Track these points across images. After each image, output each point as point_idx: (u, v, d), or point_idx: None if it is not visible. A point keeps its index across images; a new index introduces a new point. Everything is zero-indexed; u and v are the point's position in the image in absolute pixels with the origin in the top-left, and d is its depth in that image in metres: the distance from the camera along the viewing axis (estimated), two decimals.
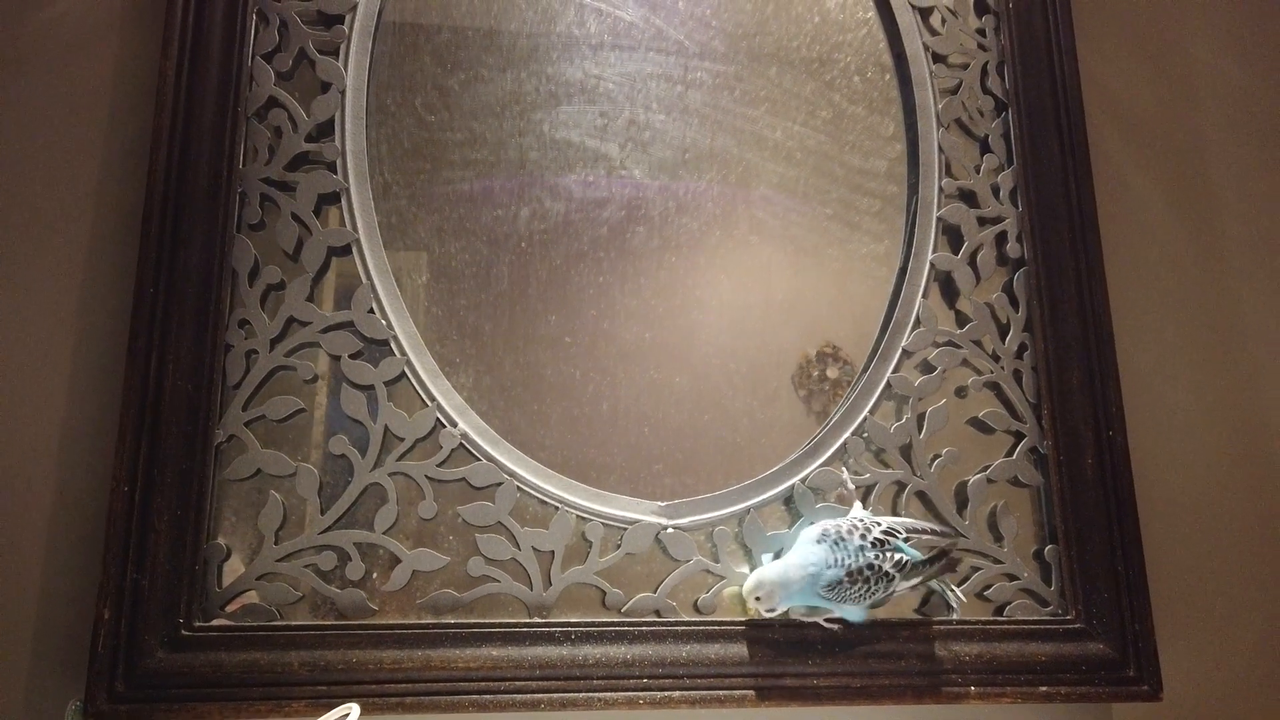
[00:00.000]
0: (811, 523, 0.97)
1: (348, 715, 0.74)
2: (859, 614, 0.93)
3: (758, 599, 0.91)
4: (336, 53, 1.03)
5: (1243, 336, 1.14)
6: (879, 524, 0.93)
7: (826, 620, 0.93)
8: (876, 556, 0.90)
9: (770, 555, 0.96)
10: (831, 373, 1.05)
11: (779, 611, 0.91)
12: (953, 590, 0.96)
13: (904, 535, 0.93)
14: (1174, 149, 1.19)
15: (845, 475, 0.99)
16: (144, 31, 1.02)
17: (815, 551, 0.91)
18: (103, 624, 0.84)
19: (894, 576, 0.91)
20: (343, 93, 1.02)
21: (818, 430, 1.02)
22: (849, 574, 0.90)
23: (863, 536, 0.91)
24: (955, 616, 0.96)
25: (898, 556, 0.91)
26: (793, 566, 0.91)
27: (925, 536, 0.95)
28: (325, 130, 1.01)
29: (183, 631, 0.86)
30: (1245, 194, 1.19)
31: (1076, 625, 0.99)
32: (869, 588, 0.90)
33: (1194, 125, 1.20)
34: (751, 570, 0.95)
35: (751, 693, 0.91)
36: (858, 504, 0.97)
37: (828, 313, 1.07)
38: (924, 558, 0.93)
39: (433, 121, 1.05)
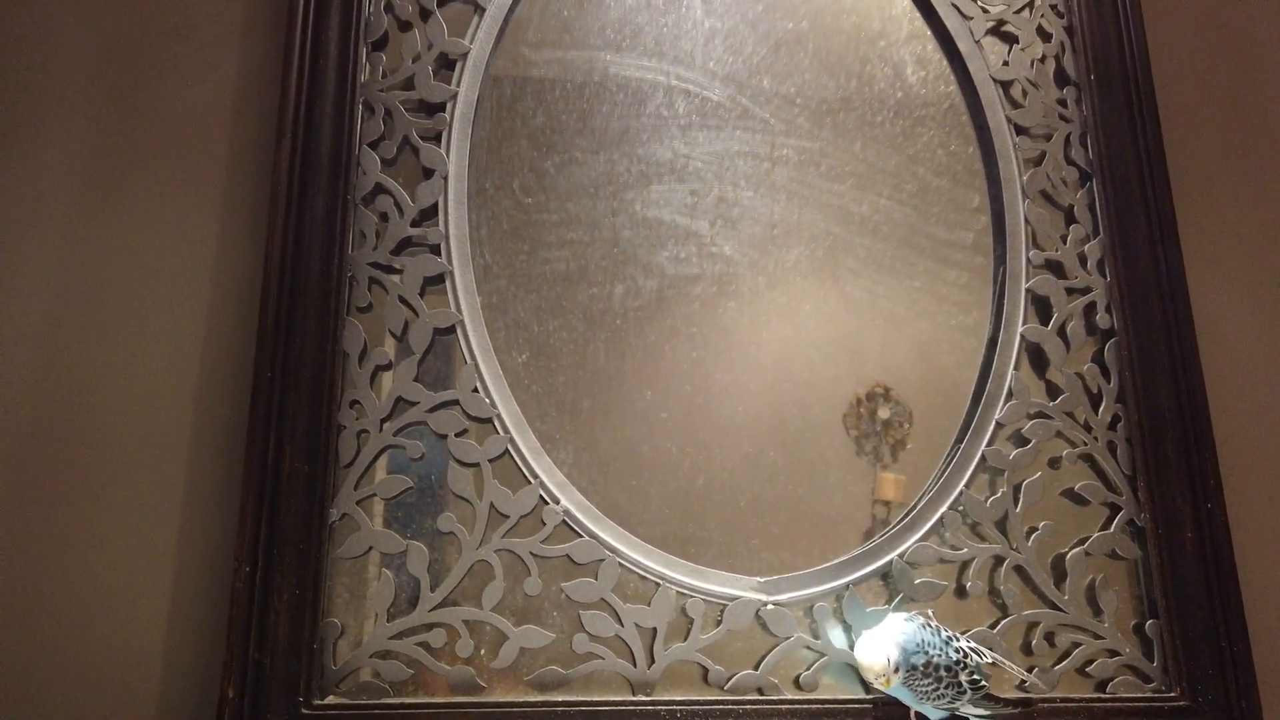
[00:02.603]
0: (906, 603, 0.98)
1: None
2: (935, 711, 0.91)
3: (889, 660, 0.90)
4: (438, 139, 1.07)
5: None
6: (969, 639, 0.93)
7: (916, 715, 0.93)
8: (958, 659, 0.90)
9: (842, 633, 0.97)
10: (883, 413, 1.06)
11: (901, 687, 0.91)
12: None
13: (989, 659, 0.92)
14: (1262, 214, 1.19)
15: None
16: (258, 123, 1.07)
17: (909, 627, 0.91)
18: (227, 703, 0.87)
19: (965, 691, 0.89)
20: (445, 178, 1.06)
21: (914, 504, 1.03)
22: (928, 664, 0.89)
23: (952, 639, 0.91)
24: None
25: (975, 676, 0.90)
26: (905, 637, 0.90)
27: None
28: (429, 214, 1.05)
29: (303, 710, 0.88)
30: None
31: (1182, 702, 0.98)
32: (939, 688, 0.89)
33: (1278, 187, 1.20)
34: (850, 646, 0.95)
35: None
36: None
37: (918, 385, 1.08)
38: (998, 695, 0.91)
39: (530, 203, 1.08)
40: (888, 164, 1.15)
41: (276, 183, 1.01)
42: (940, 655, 0.89)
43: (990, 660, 0.93)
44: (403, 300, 1.02)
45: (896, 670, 0.89)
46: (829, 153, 1.15)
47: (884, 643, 0.91)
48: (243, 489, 0.92)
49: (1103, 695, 0.98)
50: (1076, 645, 1.00)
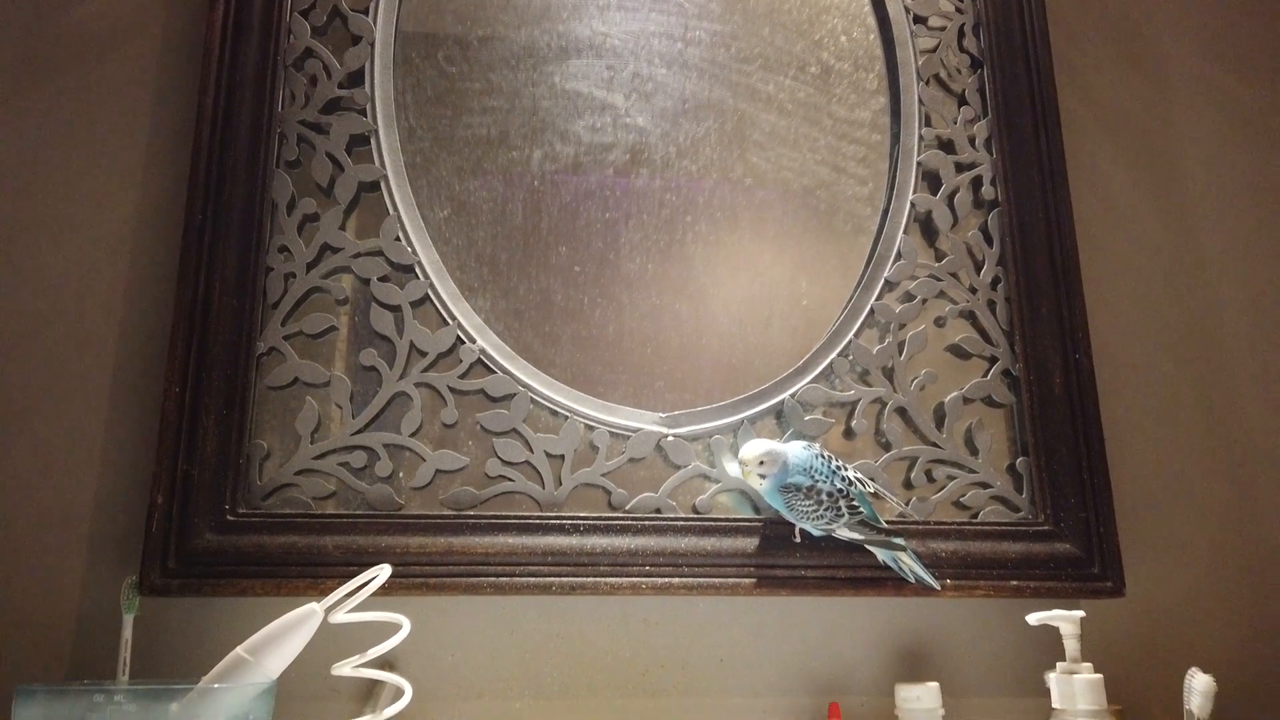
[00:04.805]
0: (799, 435, 1.06)
1: (378, 575, 0.83)
2: (814, 530, 0.99)
3: (761, 463, 0.98)
4: (367, 10, 1.13)
5: (1201, 265, 1.23)
6: (855, 470, 1.01)
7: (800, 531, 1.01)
8: (841, 489, 0.97)
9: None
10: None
11: (762, 485, 0.99)
12: (922, 570, 0.99)
13: (871, 490, 1.01)
14: (1136, 94, 1.28)
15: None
16: None
17: (803, 454, 0.99)
18: (156, 508, 0.93)
19: (844, 515, 0.97)
20: (372, 45, 1.12)
21: (807, 352, 1.11)
22: (811, 488, 0.96)
23: (840, 468, 0.99)
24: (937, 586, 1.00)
25: (855, 503, 0.98)
26: (793, 452, 0.99)
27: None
28: (356, 79, 1.11)
29: (228, 516, 0.95)
30: (1204, 136, 1.28)
31: (1045, 527, 1.07)
32: (818, 510, 0.96)
33: (1156, 79, 1.30)
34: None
35: (745, 581, 0.99)
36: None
37: (816, 247, 1.16)
38: (877, 521, 0.99)
39: (454, 72, 1.15)
40: (793, 47, 1.23)
41: (210, 42, 1.07)
42: (825, 482, 0.97)
43: (872, 490, 1.02)
44: (330, 156, 1.08)
45: (761, 463, 0.97)
46: (739, 35, 1.22)
47: (769, 446, 0.99)
48: (174, 319, 0.98)
49: (974, 520, 1.07)
50: (952, 479, 1.09)
